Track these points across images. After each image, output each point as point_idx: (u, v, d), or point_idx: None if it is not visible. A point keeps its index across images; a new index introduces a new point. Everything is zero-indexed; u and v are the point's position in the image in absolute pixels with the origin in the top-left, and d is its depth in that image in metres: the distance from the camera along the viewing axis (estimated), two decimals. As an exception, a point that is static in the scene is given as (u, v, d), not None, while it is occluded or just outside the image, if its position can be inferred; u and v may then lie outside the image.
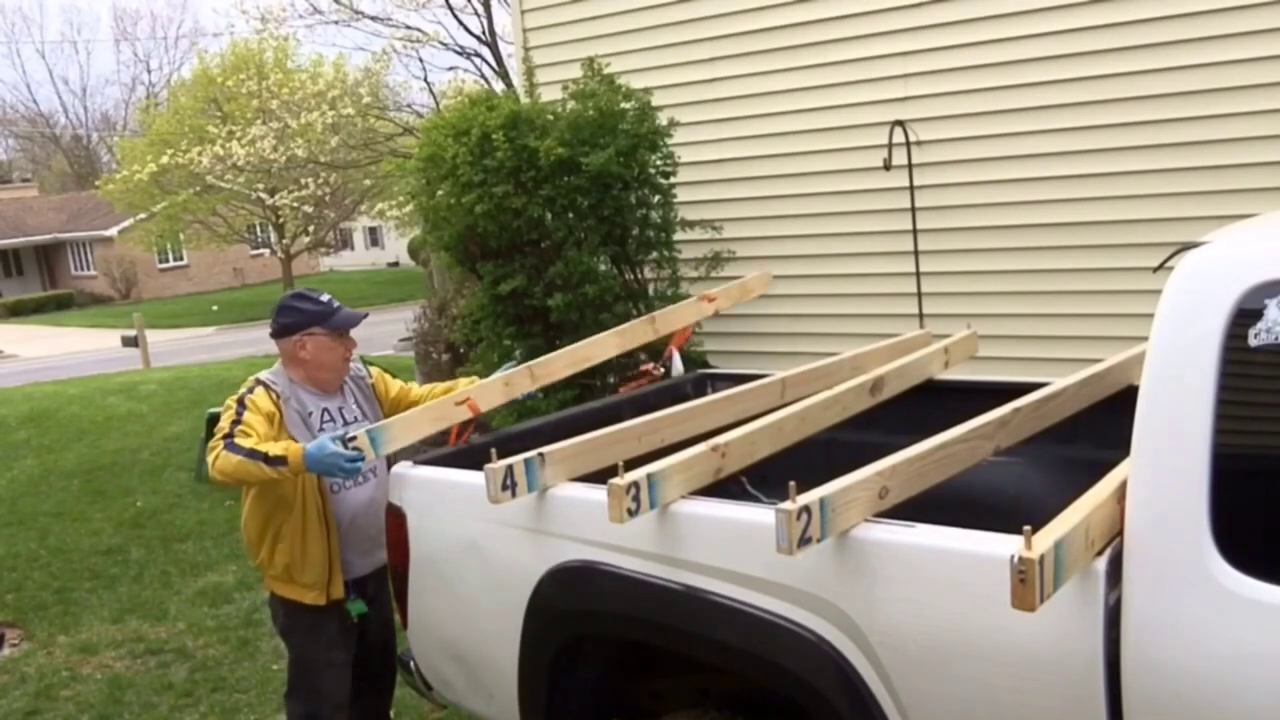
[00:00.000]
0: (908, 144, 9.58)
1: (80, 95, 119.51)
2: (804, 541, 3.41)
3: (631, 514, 4.02)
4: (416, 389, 6.36)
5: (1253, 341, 3.10)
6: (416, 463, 5.36)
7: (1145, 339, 3.40)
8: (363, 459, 5.12)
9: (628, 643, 4.72)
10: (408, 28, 21.73)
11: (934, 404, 5.82)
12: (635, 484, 4.03)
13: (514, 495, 4.44)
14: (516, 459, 4.47)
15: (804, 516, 3.40)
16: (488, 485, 4.40)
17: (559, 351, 6.31)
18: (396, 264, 65.02)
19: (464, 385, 6.06)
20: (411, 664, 5.55)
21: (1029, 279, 9.24)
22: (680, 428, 5.33)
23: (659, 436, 5.19)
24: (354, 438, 5.14)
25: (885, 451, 4.18)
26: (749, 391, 5.85)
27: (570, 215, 9.99)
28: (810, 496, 3.48)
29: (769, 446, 4.90)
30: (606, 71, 10.22)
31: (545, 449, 4.61)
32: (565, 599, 4.59)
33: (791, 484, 3.50)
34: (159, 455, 15.73)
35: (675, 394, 6.60)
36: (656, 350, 6.99)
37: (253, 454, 5.24)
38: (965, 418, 4.53)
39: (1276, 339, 3.06)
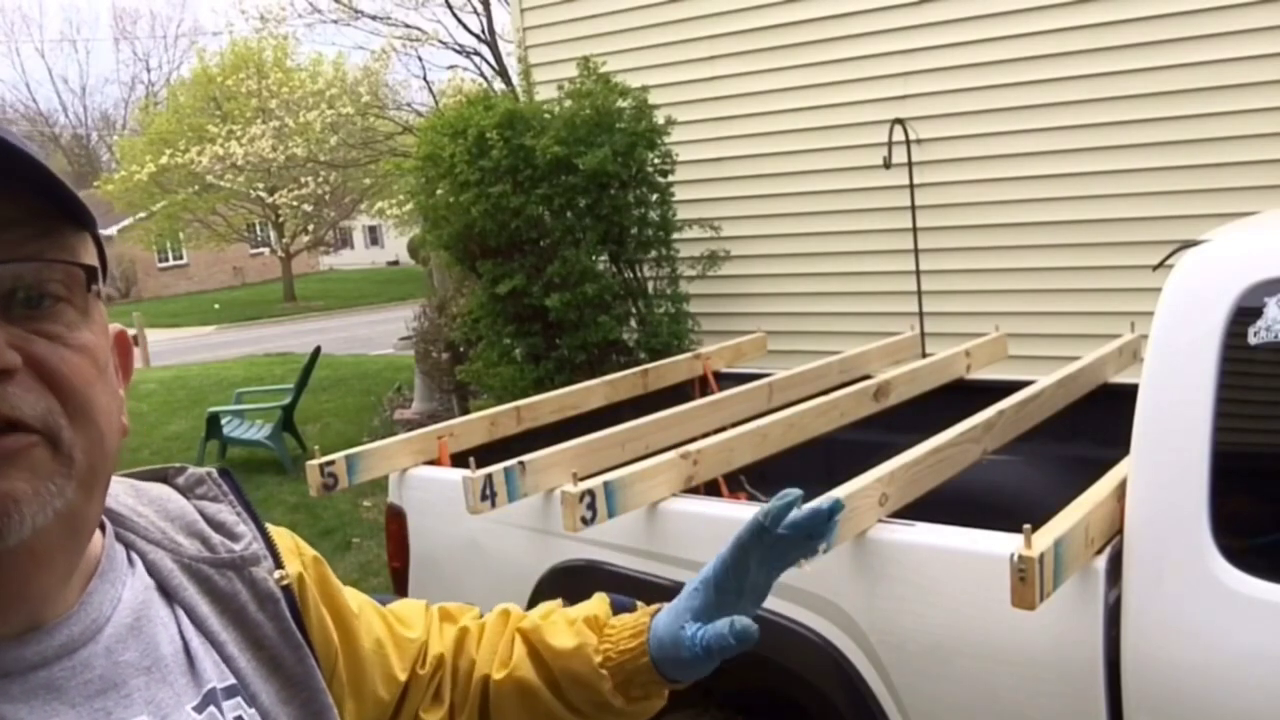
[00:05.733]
0: (908, 142, 9.57)
1: (80, 94, 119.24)
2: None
3: (586, 522, 4.00)
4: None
5: (1252, 340, 3.11)
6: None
7: (1143, 336, 3.41)
8: None
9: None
10: (407, 26, 21.69)
11: (926, 401, 5.85)
12: (590, 492, 4.01)
13: (494, 505, 4.41)
14: (496, 468, 4.45)
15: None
16: (466, 496, 4.38)
17: (546, 395, 6.27)
18: (396, 263, 65.00)
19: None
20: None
21: (1029, 277, 9.25)
22: (667, 434, 5.30)
23: (644, 443, 5.16)
24: None
25: (881, 448, 4.19)
26: (736, 396, 5.85)
27: (568, 214, 10.01)
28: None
29: (751, 454, 4.88)
30: (603, 70, 10.23)
31: (525, 457, 4.59)
32: (565, 598, 4.58)
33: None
34: (159, 455, 15.64)
35: (678, 395, 6.57)
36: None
37: None
38: (957, 416, 4.55)
39: (1276, 337, 3.06)
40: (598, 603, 2.05)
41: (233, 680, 1.48)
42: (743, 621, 1.79)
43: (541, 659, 1.98)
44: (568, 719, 1.98)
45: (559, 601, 2.13)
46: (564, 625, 1.99)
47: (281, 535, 1.74)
